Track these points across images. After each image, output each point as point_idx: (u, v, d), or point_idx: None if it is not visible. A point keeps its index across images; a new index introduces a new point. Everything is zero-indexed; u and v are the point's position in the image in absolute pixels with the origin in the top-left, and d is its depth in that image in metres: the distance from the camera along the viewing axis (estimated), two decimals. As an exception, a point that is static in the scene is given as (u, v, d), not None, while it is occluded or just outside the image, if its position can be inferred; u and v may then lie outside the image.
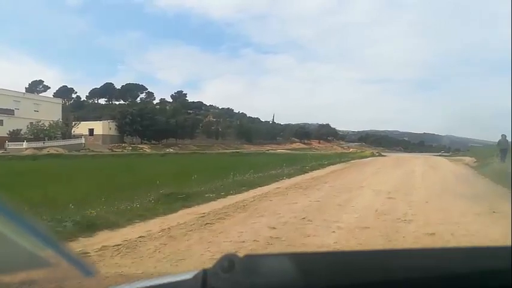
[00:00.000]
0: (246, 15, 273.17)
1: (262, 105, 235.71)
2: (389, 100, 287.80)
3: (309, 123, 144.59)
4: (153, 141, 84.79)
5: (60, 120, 68.75)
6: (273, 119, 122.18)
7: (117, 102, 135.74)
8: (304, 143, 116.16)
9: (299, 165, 21.80)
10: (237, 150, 62.84)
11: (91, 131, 75.63)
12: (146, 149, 78.01)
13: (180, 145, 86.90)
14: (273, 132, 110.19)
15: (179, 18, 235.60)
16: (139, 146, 79.50)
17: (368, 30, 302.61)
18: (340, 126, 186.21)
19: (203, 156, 51.67)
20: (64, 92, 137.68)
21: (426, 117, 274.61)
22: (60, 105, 77.05)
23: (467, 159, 35.71)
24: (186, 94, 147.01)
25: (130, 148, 77.13)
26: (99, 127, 75.69)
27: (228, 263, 0.65)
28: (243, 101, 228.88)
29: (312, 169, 20.24)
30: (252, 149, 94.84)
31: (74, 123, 72.41)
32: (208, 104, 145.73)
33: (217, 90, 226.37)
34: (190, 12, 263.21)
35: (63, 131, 68.07)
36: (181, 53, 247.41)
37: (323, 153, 59.94)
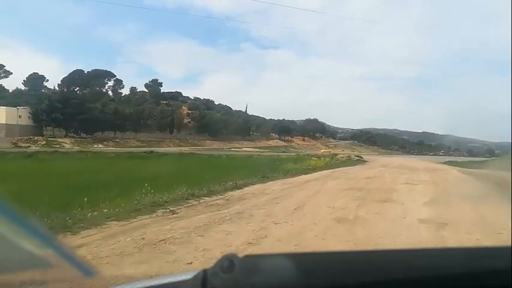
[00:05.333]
0: (246, 10, 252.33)
1: (260, 101, 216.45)
2: (389, 98, 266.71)
3: (306, 118, 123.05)
4: (83, 134, 65.13)
5: None
6: (246, 110, 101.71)
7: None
8: (283, 140, 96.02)
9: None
10: (152, 149, 42.92)
11: (-9, 119, 56.07)
12: (66, 144, 58.43)
13: (118, 139, 67.14)
14: (246, 126, 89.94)
15: (179, 11, 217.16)
16: (58, 139, 59.84)
17: (369, 27, 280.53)
18: (337, 123, 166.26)
19: (88, 158, 32.16)
20: (35, 80, 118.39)
21: (426, 116, 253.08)
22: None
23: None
24: (161, 83, 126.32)
25: (44, 143, 57.69)
26: (2, 114, 55.98)
27: (228, 263, 0.62)
28: (241, 96, 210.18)
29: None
30: (215, 145, 75.06)
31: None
32: (187, 96, 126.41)
33: (216, 84, 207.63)
34: (190, 5, 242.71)
35: None
36: (180, 46, 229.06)
37: (283, 156, 40.03)
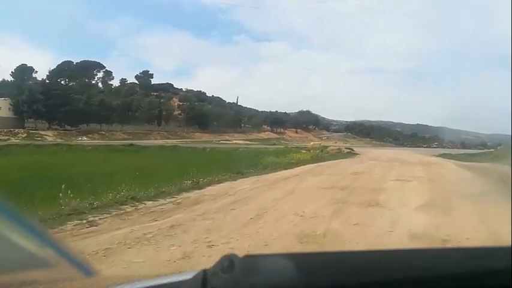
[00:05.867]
0: (240, 1, 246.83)
1: (255, 93, 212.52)
2: (384, 90, 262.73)
3: (299, 110, 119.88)
4: (67, 127, 62.69)
5: None
6: (237, 102, 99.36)
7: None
8: (275, 132, 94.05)
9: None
10: (132, 142, 40.69)
11: (-32, 111, 53.46)
12: (49, 136, 56.04)
13: (104, 132, 64.82)
14: (237, 118, 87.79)
15: (173, 3, 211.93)
16: (41, 132, 57.42)
17: (364, 19, 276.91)
18: (332, 115, 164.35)
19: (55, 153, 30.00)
20: (23, 71, 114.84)
21: (420, 109, 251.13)
22: None
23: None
24: (152, 75, 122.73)
25: (25, 135, 55.26)
26: (-21, 106, 53.44)
27: (228, 263, 0.61)
28: (236, 89, 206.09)
29: None
30: (205, 138, 73.02)
31: None
32: (179, 88, 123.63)
33: (210, 76, 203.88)
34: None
35: None
36: (174, 39, 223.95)
37: (271, 148, 38.29)
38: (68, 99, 61.05)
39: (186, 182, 10.93)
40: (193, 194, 9.45)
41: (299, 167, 17.48)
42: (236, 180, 12.44)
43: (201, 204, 8.25)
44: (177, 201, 8.62)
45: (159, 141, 55.87)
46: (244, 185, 11.34)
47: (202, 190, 10.12)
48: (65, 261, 1.05)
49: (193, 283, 0.63)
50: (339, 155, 30.52)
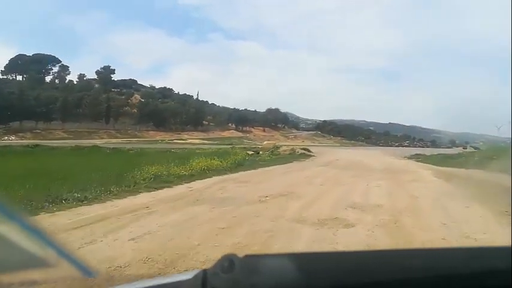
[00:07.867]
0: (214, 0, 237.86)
1: (228, 92, 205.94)
2: (357, 89, 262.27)
3: (268, 108, 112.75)
4: (-5, 125, 53.78)
5: None
6: (197, 97, 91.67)
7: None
8: (241, 131, 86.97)
9: None
10: (38, 142, 32.45)
11: None
12: (-33, 135, 47.28)
13: (40, 130, 56.14)
14: (199, 115, 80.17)
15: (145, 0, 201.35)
16: (-43, 131, 48.46)
17: (338, 19, 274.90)
18: (306, 114, 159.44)
19: None
20: None
21: (393, 108, 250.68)
22: None
23: None
24: (114, 70, 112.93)
25: None
26: None
27: (228, 263, 0.61)
28: (209, 87, 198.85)
29: None
30: (158, 137, 65.18)
31: None
32: (142, 84, 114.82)
33: (183, 74, 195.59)
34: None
35: None
36: (147, 37, 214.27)
37: (210, 150, 31.20)
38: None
39: None
40: None
41: (185, 184, 10.46)
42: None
43: None
44: None
45: (100, 141, 47.92)
46: None
47: None
48: (65, 261, 1.02)
49: (193, 283, 0.62)
50: (288, 157, 23.77)
